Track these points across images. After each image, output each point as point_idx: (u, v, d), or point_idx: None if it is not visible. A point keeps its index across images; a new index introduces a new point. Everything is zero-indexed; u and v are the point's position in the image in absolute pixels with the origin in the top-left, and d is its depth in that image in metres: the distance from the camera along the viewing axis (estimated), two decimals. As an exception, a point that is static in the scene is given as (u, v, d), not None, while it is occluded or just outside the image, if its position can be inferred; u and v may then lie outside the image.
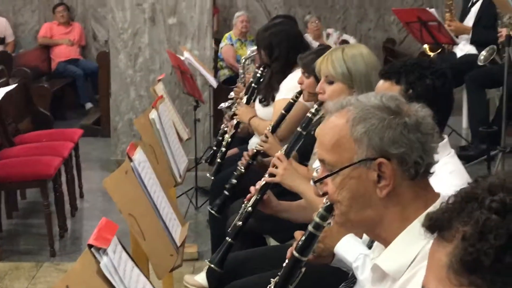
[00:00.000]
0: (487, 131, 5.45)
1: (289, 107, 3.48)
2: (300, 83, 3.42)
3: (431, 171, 1.67)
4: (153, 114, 3.59)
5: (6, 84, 5.33)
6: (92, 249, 1.61)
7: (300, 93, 3.44)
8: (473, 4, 6.27)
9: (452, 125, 6.27)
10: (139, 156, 2.67)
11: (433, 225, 1.01)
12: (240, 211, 2.85)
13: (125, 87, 6.10)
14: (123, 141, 5.95)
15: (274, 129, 3.41)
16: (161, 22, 6.01)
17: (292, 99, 3.48)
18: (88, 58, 9.12)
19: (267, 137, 3.37)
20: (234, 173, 3.30)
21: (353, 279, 2.24)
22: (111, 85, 6.23)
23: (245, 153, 3.38)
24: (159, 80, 4.67)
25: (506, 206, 0.92)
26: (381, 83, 2.37)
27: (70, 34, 9.05)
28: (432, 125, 1.66)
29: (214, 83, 5.57)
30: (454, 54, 6.24)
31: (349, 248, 2.24)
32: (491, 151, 5.23)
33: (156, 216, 2.60)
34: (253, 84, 4.20)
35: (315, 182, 1.73)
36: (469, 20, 6.25)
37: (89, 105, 8.81)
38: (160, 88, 4.41)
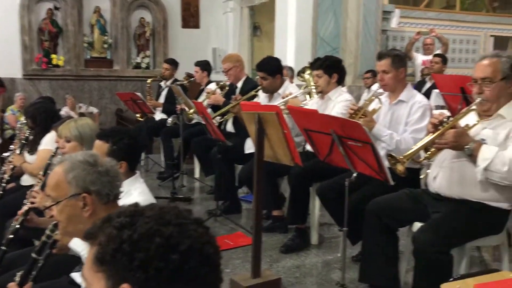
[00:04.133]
0: (173, 162, 5.57)
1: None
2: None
3: (120, 197, 1.63)
4: None
5: None
6: None
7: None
8: (163, 89, 6.34)
9: (155, 159, 6.33)
10: None
11: (86, 237, 0.94)
12: (10, 229, 2.46)
13: None
14: None
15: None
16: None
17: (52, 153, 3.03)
18: None
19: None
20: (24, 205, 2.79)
21: (83, 263, 2.11)
22: None
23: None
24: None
25: (122, 225, 0.89)
26: (97, 141, 2.23)
27: None
28: (117, 171, 1.61)
29: (-2, 140, 4.91)
30: (154, 118, 6.24)
31: (78, 244, 2.09)
32: (175, 173, 5.31)
33: None
34: (23, 141, 3.74)
35: (43, 209, 1.59)
36: (162, 99, 6.34)
37: None
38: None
